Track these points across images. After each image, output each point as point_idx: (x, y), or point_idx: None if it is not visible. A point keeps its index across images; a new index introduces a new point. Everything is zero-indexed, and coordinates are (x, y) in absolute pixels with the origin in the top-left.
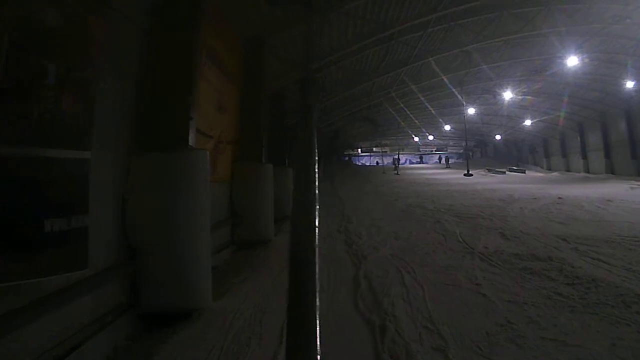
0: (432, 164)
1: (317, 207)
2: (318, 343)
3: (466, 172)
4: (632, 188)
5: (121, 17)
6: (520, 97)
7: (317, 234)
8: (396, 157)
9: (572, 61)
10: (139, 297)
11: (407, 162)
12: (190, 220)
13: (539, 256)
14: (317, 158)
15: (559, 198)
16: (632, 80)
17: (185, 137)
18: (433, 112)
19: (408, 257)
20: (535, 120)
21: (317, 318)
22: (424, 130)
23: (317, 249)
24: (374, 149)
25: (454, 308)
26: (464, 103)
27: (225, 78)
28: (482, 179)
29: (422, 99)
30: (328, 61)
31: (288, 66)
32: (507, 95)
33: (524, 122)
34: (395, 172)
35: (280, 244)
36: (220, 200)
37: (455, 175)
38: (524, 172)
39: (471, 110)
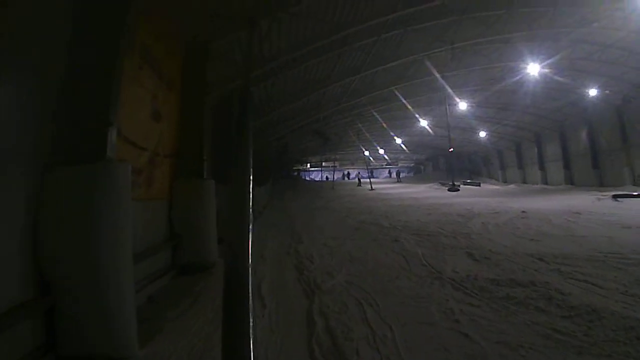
0: (383, 178)
1: (251, 227)
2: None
3: (451, 186)
4: (598, 199)
5: None
6: (475, 107)
7: (250, 254)
8: (346, 172)
9: (533, 68)
10: (57, 338)
11: (357, 176)
12: (111, 248)
13: (519, 281)
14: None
15: (523, 212)
16: (595, 88)
17: (102, 146)
18: (384, 125)
19: (368, 285)
20: (490, 132)
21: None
22: (375, 144)
23: (250, 270)
24: (324, 164)
25: (435, 357)
26: (417, 115)
27: (164, 84)
28: (435, 193)
29: (374, 112)
30: (276, 66)
31: (235, 70)
32: (462, 105)
33: (478, 133)
34: (370, 187)
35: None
36: (158, 221)
37: (407, 190)
38: (479, 185)
39: (423, 122)
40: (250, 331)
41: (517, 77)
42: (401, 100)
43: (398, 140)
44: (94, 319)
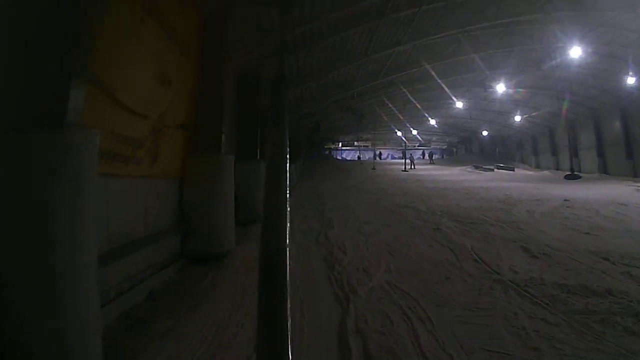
0: (415, 159)
1: (288, 209)
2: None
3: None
4: (638, 190)
5: None
6: (512, 90)
7: (287, 236)
8: (378, 152)
9: (575, 52)
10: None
11: (389, 157)
12: (63, 247)
13: (593, 289)
14: (291, 154)
15: (565, 200)
16: (633, 76)
17: (62, 106)
18: (418, 106)
19: (414, 289)
20: (526, 116)
21: (289, 323)
22: (407, 124)
23: (287, 250)
24: (355, 143)
25: None
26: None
27: (173, 44)
28: (470, 176)
29: (406, 92)
30: (309, 34)
31: (262, 36)
32: (500, 87)
33: (512, 117)
34: (404, 168)
35: (243, 257)
36: (166, 202)
37: (440, 172)
38: (513, 170)
39: (459, 104)
40: (289, 327)
41: (555, 61)
42: (436, 80)
43: (432, 121)
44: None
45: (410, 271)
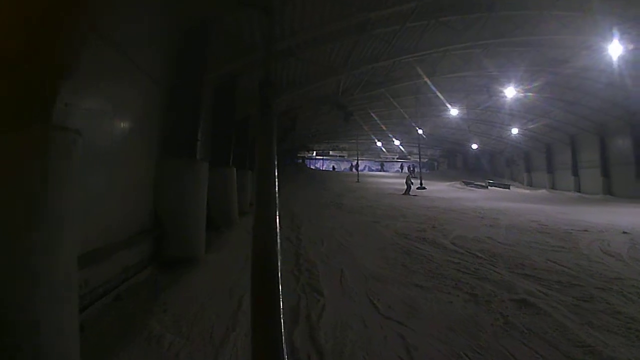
0: (393, 172)
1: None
2: (283, 341)
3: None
4: None
5: None
6: (522, 94)
7: (278, 237)
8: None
9: (615, 49)
10: None
11: (367, 169)
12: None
13: None
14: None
15: (625, 233)
16: None
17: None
18: (405, 114)
19: None
20: (520, 130)
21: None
22: (389, 134)
23: (279, 252)
24: (331, 152)
25: None
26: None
27: None
28: (464, 194)
29: (393, 101)
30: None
31: (241, 48)
32: (510, 91)
33: (506, 130)
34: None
35: (212, 266)
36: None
37: (427, 188)
38: (508, 188)
39: (454, 112)
40: (282, 334)
41: (558, 70)
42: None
43: (420, 131)
44: None
45: None
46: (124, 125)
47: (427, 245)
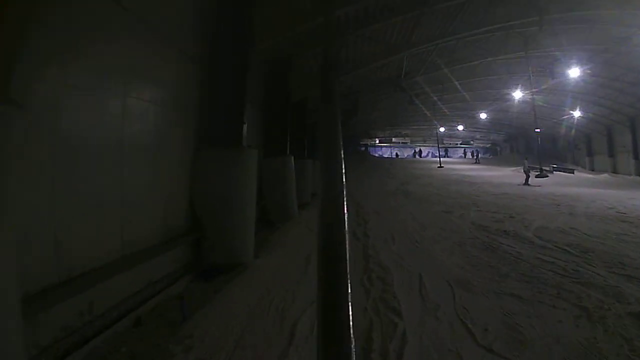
0: (457, 158)
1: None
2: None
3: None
4: None
5: None
6: (569, 82)
7: (347, 232)
8: (417, 149)
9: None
10: None
11: (430, 155)
12: None
13: None
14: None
15: None
16: None
17: None
18: (467, 97)
19: None
20: (581, 112)
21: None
22: (453, 119)
23: (347, 246)
24: (393, 139)
25: None
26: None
27: None
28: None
29: (457, 83)
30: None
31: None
32: (574, 72)
33: (568, 113)
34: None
35: (261, 274)
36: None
37: (491, 173)
38: (573, 173)
39: (517, 94)
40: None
41: (619, 49)
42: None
43: (483, 116)
44: None
45: None
46: (148, 104)
47: (510, 239)
